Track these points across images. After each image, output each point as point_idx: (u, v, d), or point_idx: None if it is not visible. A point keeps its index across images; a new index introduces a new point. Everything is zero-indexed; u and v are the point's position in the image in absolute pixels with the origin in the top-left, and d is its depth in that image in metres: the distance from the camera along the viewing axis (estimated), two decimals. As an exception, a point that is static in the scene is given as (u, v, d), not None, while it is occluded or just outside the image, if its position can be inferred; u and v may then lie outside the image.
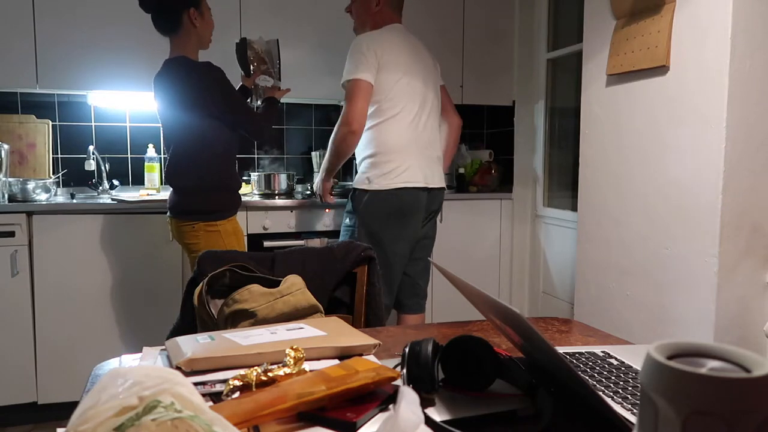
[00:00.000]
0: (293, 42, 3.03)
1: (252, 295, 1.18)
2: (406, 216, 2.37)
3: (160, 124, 3.22)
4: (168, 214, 2.26)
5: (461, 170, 3.49)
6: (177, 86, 2.13)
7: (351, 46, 2.34)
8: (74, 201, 2.79)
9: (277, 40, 2.52)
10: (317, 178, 2.58)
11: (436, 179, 2.45)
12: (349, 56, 2.32)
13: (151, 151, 3.15)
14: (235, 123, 2.20)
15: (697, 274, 1.96)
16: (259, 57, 2.46)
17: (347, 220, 2.43)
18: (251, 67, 2.45)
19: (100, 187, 3.06)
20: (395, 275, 2.42)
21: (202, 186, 2.18)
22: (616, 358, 0.95)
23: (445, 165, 2.64)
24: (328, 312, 1.44)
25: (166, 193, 3.07)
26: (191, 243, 2.18)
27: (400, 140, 2.34)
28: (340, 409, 0.73)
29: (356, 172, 2.46)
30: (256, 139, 2.36)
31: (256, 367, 0.80)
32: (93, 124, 3.16)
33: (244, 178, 3.21)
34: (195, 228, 2.16)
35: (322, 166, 2.51)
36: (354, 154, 2.43)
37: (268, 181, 3.10)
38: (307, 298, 1.24)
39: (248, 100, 2.46)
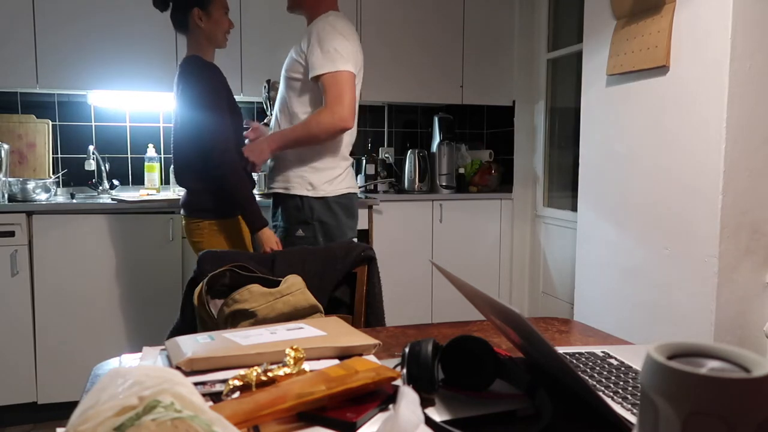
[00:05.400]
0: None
1: (252, 295, 1.18)
2: (354, 218, 2.23)
3: (159, 124, 3.26)
4: (182, 211, 2.26)
5: (461, 170, 3.49)
6: (183, 85, 2.14)
7: (327, 26, 2.03)
8: (74, 201, 2.79)
9: None
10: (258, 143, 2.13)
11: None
12: (332, 39, 2.01)
13: (151, 151, 3.15)
14: (199, 137, 2.06)
15: (697, 274, 1.96)
16: None
17: (300, 232, 2.11)
18: None
19: (100, 187, 3.06)
20: None
21: (208, 185, 2.17)
22: (616, 358, 0.95)
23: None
24: (328, 312, 1.44)
25: (165, 193, 3.08)
26: (197, 241, 2.18)
27: (347, 148, 2.18)
28: (340, 409, 0.73)
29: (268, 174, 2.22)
30: (212, 172, 2.07)
31: (256, 367, 0.80)
32: (93, 123, 3.16)
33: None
34: (200, 226, 2.16)
35: (279, 135, 2.11)
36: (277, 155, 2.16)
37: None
38: (307, 298, 1.24)
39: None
